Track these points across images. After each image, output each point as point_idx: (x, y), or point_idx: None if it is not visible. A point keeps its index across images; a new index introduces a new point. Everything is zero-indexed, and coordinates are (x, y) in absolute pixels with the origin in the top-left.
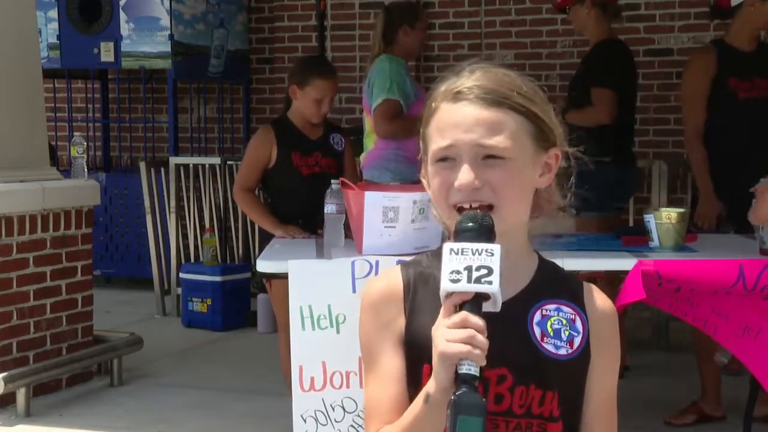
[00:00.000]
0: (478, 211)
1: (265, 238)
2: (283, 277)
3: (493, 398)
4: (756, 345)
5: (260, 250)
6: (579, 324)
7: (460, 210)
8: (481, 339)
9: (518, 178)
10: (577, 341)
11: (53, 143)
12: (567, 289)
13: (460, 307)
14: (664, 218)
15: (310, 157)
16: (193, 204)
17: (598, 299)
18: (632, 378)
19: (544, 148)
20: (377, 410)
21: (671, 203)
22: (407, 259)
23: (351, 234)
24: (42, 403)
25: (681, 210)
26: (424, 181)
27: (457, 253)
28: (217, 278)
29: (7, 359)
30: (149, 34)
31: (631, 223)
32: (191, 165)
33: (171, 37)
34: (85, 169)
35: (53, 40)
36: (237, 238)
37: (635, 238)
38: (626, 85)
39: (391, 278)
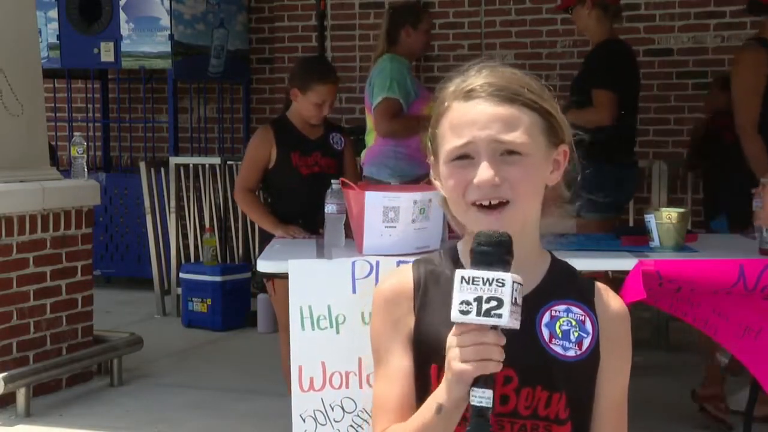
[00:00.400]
0: (495, 230)
1: (265, 238)
2: (284, 277)
3: (498, 399)
4: (756, 345)
5: (260, 250)
6: (589, 325)
7: (479, 207)
8: (495, 350)
9: (534, 175)
10: (586, 342)
11: (53, 143)
12: (577, 289)
13: None
14: (665, 218)
15: (310, 157)
16: (193, 204)
17: (610, 300)
18: (632, 378)
19: (554, 145)
20: (384, 408)
21: (671, 203)
22: (411, 258)
23: (351, 234)
24: (42, 403)
25: (681, 210)
26: (436, 182)
27: (468, 282)
28: (217, 278)
29: (7, 359)
30: (149, 34)
31: (631, 223)
32: (191, 165)
33: (171, 37)
34: (85, 169)
35: (53, 40)
36: (237, 238)
37: (635, 238)
38: (627, 86)
39: (402, 276)
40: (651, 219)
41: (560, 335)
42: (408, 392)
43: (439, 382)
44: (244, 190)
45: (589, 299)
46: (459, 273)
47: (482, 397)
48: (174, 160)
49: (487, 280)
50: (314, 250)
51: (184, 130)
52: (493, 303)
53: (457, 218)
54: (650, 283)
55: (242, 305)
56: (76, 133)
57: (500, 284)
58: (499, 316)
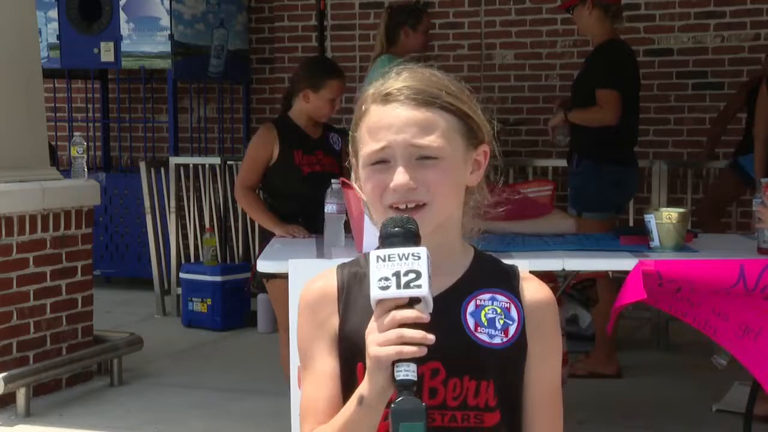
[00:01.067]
0: (403, 215)
1: (265, 237)
2: (283, 276)
3: (427, 392)
4: (756, 345)
5: (260, 250)
6: (514, 312)
7: (395, 210)
8: (412, 334)
9: (452, 177)
10: (512, 329)
11: (53, 143)
12: (502, 278)
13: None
14: (665, 218)
15: (313, 156)
16: (193, 204)
17: (535, 288)
18: (632, 378)
19: (473, 146)
20: (312, 410)
21: (671, 203)
22: (347, 260)
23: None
24: (42, 403)
25: (681, 210)
26: (356, 185)
27: (384, 260)
28: (217, 278)
29: (7, 359)
30: (149, 34)
31: (631, 223)
32: (191, 165)
33: (171, 37)
34: (85, 169)
35: (53, 40)
36: (237, 238)
37: (635, 238)
38: (629, 86)
39: (327, 279)
40: (651, 219)
41: (486, 323)
42: (335, 393)
43: None
44: (244, 189)
45: (514, 287)
46: (374, 253)
47: (407, 371)
48: (174, 160)
49: (403, 255)
50: (314, 250)
51: (184, 130)
52: (412, 276)
53: (375, 220)
54: (650, 283)
55: (242, 305)
56: (76, 133)
57: (416, 257)
58: (419, 286)
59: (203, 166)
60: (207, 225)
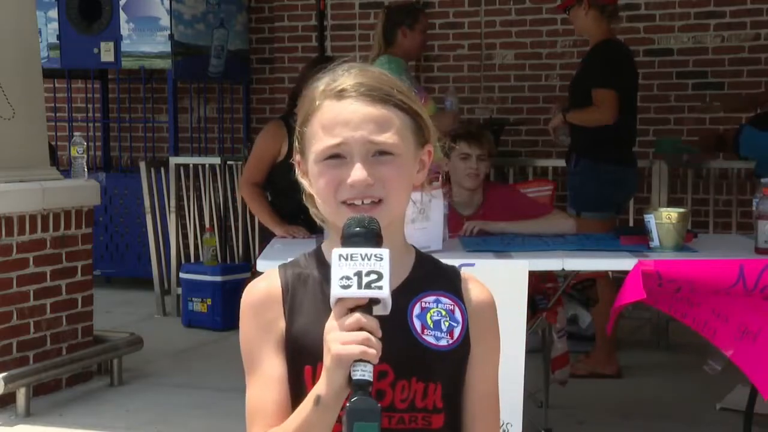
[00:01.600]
0: (365, 214)
1: (265, 237)
2: None
3: (374, 395)
4: (755, 348)
5: (260, 250)
6: (458, 314)
7: (350, 206)
8: (375, 340)
9: (406, 174)
10: (456, 331)
11: (53, 143)
12: (445, 280)
13: (352, 310)
14: (664, 218)
15: None
16: (193, 204)
17: (476, 289)
18: (632, 378)
19: (421, 145)
20: (261, 414)
21: (671, 203)
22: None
23: None
24: (42, 403)
25: (681, 210)
26: (303, 181)
27: (346, 259)
28: (217, 278)
29: (7, 359)
30: (149, 34)
31: (631, 223)
32: (191, 165)
33: (171, 37)
34: (85, 169)
35: (53, 40)
36: (237, 237)
37: (635, 238)
38: (626, 86)
39: (271, 280)
40: (651, 219)
41: (432, 326)
42: (284, 396)
43: (313, 383)
44: (250, 184)
45: (457, 288)
46: (336, 252)
47: (364, 371)
48: (174, 160)
49: (366, 255)
50: None
51: (184, 130)
52: (373, 276)
53: (326, 216)
54: (650, 283)
55: None
56: (76, 133)
57: (379, 258)
58: (380, 288)
59: (203, 166)
60: (207, 225)
